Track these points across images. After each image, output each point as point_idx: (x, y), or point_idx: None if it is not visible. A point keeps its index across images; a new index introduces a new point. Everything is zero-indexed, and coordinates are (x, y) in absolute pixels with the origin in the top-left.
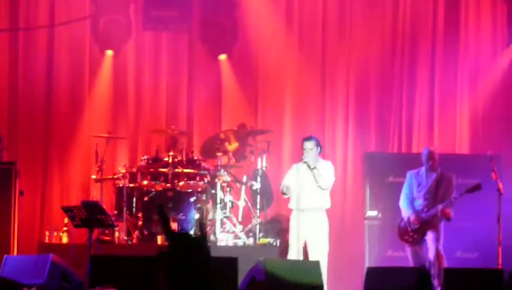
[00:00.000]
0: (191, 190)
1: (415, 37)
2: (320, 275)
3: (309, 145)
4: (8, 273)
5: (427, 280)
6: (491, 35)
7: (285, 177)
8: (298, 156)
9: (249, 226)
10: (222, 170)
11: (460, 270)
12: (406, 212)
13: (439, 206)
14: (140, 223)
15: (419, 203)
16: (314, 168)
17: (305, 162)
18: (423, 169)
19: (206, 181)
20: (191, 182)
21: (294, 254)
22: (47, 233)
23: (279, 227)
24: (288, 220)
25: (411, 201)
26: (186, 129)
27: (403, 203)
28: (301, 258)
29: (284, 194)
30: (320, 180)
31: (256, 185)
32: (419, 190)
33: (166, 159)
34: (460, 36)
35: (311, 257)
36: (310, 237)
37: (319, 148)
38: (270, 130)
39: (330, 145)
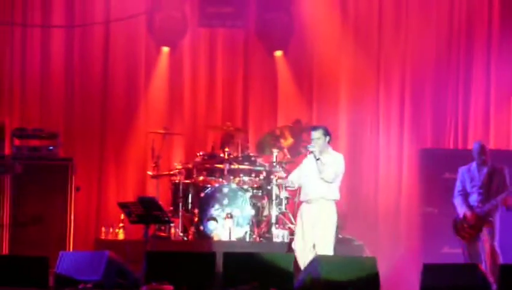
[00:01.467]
0: (246, 186)
1: (470, 32)
2: (376, 271)
3: (316, 134)
4: (64, 270)
5: (484, 277)
6: None
7: (296, 169)
8: (353, 151)
9: None
10: (277, 166)
11: None
12: (460, 208)
13: (497, 198)
14: (196, 219)
15: (474, 198)
16: (319, 159)
17: (311, 152)
18: (474, 164)
19: (261, 177)
20: (247, 178)
21: (298, 245)
22: (103, 229)
23: None
24: (343, 216)
25: (465, 197)
26: (242, 126)
27: (457, 199)
28: (309, 250)
29: (288, 187)
30: (324, 172)
31: None
32: (473, 185)
33: (221, 155)
34: None
35: (317, 249)
36: (316, 228)
37: (327, 137)
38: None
39: (385, 141)
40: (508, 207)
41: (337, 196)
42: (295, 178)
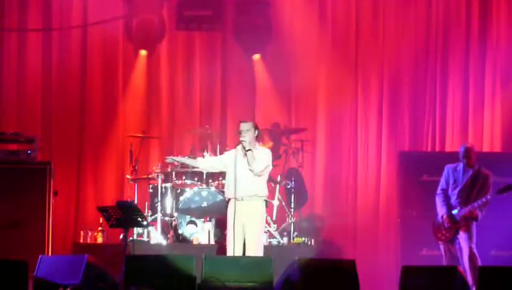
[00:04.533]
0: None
1: (448, 36)
2: (355, 274)
3: (246, 126)
4: (43, 274)
5: (463, 279)
6: None
7: (215, 157)
8: (332, 154)
9: (283, 225)
10: None
11: (496, 269)
12: (440, 208)
13: (469, 206)
14: (175, 223)
15: (453, 199)
16: (250, 150)
17: (242, 141)
18: (461, 164)
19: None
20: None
21: (230, 245)
22: (82, 233)
23: (313, 226)
24: (322, 219)
25: (446, 196)
26: (220, 128)
27: (438, 197)
28: (240, 249)
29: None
30: (253, 164)
31: (291, 184)
32: (454, 187)
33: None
34: (493, 35)
35: (248, 247)
36: (248, 226)
37: (256, 131)
38: (304, 128)
39: (364, 144)
40: (473, 218)
41: (267, 192)
42: (211, 162)
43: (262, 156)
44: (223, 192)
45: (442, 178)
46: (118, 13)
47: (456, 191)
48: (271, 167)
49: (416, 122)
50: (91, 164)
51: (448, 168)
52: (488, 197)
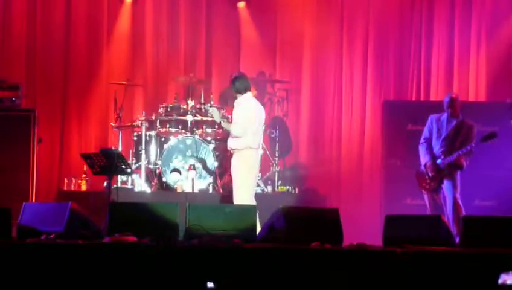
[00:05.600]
0: (209, 138)
1: None
2: (339, 222)
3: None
4: (27, 221)
5: (447, 229)
6: None
7: None
8: (316, 104)
9: (268, 174)
10: None
11: (479, 218)
12: (423, 157)
13: (455, 154)
14: (159, 170)
15: (436, 149)
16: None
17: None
18: (445, 114)
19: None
20: (210, 129)
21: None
22: (66, 180)
23: (297, 175)
24: (306, 168)
25: (430, 145)
26: (205, 77)
27: (421, 146)
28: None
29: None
30: (230, 130)
31: (275, 133)
32: (438, 136)
33: (184, 106)
34: None
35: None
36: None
37: (236, 85)
38: (288, 80)
39: (348, 93)
40: (459, 166)
41: (248, 144)
42: None
43: (236, 118)
44: (207, 140)
45: (426, 128)
46: None
47: (439, 141)
48: (254, 118)
49: (401, 72)
50: (75, 111)
51: (432, 118)
52: (473, 145)
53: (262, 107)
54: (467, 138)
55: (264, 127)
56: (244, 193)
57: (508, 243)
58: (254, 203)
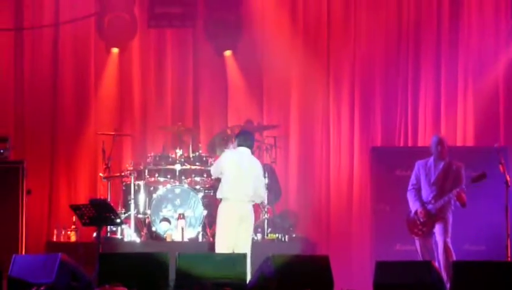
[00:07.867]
0: (198, 187)
1: (419, 31)
2: (329, 269)
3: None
4: (17, 273)
5: (437, 274)
6: (494, 28)
7: None
8: (305, 150)
9: (257, 221)
10: None
11: (470, 263)
12: (413, 204)
13: (451, 193)
14: (148, 220)
15: (427, 194)
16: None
17: None
18: (431, 159)
19: (213, 177)
20: (199, 178)
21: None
22: (55, 232)
23: (287, 223)
24: (296, 215)
25: (418, 191)
26: (193, 126)
27: (410, 193)
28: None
29: None
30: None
31: (264, 181)
32: (427, 181)
33: (173, 156)
34: (464, 29)
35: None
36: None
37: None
38: (277, 125)
39: (336, 139)
40: (462, 203)
41: (220, 194)
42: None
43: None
44: (195, 189)
45: (413, 174)
46: (90, 11)
47: (429, 186)
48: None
49: (388, 117)
50: (64, 162)
51: (418, 164)
52: (463, 186)
53: (249, 160)
54: (457, 178)
55: (255, 178)
56: (219, 243)
57: (498, 288)
58: (229, 251)
